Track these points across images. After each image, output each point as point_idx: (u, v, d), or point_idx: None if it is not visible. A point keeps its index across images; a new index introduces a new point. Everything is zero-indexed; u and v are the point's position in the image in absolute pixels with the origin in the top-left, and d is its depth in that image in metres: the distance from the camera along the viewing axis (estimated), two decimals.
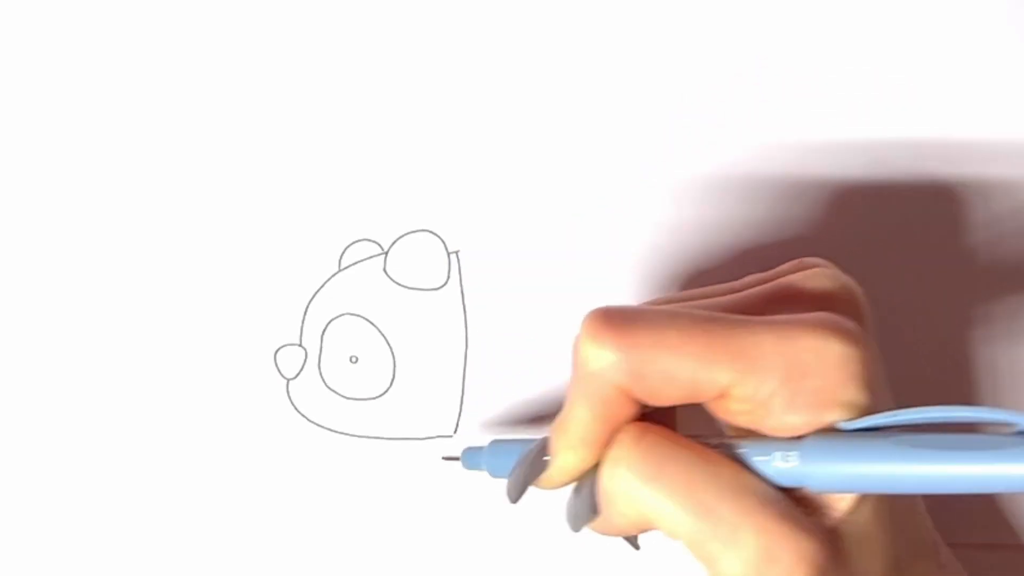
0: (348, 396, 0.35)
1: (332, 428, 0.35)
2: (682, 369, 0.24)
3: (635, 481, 0.24)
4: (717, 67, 0.35)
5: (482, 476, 0.35)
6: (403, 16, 0.35)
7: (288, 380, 0.35)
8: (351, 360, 0.35)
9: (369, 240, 0.35)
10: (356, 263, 0.35)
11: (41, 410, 0.35)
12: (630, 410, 0.25)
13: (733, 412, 0.25)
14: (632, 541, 0.29)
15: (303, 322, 0.35)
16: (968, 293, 0.35)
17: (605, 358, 0.24)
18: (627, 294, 0.35)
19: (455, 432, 0.35)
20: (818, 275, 0.27)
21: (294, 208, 0.35)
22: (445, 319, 0.35)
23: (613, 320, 0.24)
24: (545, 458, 0.27)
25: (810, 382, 0.23)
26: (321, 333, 0.35)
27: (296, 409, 0.35)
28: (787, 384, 0.23)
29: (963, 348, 0.35)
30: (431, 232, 0.35)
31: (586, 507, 0.26)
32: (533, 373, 0.35)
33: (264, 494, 0.36)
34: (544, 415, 0.35)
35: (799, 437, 0.24)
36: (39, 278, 0.35)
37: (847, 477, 0.23)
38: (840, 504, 0.24)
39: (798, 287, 0.26)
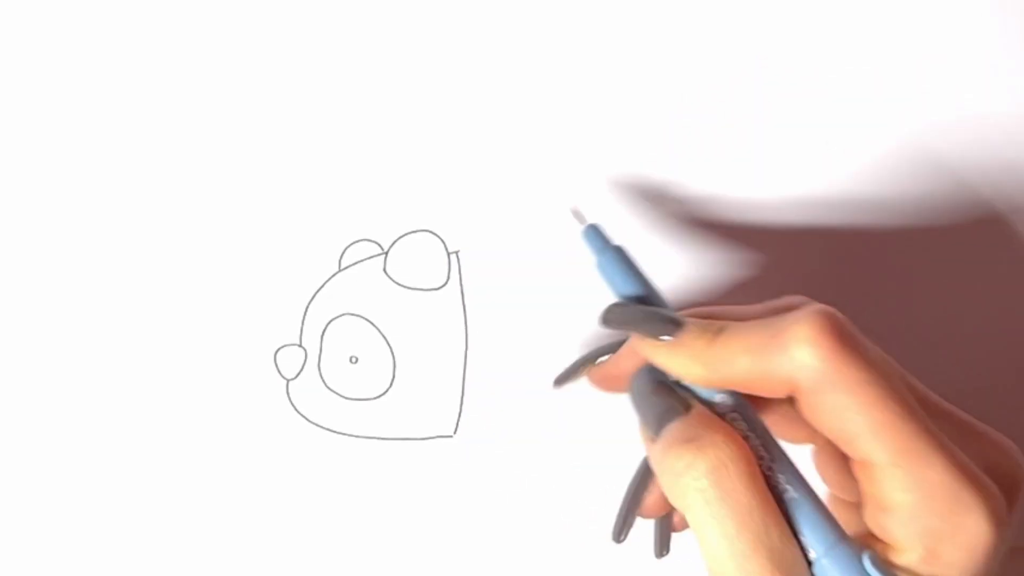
0: (348, 396, 0.35)
1: (332, 428, 0.35)
2: (854, 423, 0.24)
3: (699, 496, 0.24)
4: (717, 67, 0.35)
5: (483, 473, 0.35)
6: (403, 16, 0.35)
7: (288, 380, 0.35)
8: (351, 360, 0.35)
9: (369, 240, 0.35)
10: (356, 263, 0.35)
11: (41, 410, 0.35)
12: (775, 394, 0.25)
13: (861, 475, 0.25)
14: (663, 542, 0.30)
15: (303, 322, 0.35)
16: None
17: (811, 356, 0.24)
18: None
19: (455, 432, 0.35)
20: (1006, 445, 0.26)
21: (294, 208, 0.35)
22: (445, 319, 0.35)
23: (844, 336, 0.24)
24: (666, 336, 0.26)
25: (938, 524, 0.23)
26: (321, 333, 0.35)
27: (296, 409, 0.35)
28: (921, 506, 0.23)
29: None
30: (431, 232, 0.35)
31: (653, 420, 0.26)
32: (533, 373, 0.35)
33: (264, 494, 0.36)
34: (544, 415, 0.35)
35: (844, 536, 0.24)
36: (39, 278, 0.35)
37: None
38: None
39: (985, 441, 0.26)
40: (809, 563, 0.24)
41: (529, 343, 0.35)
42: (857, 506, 0.25)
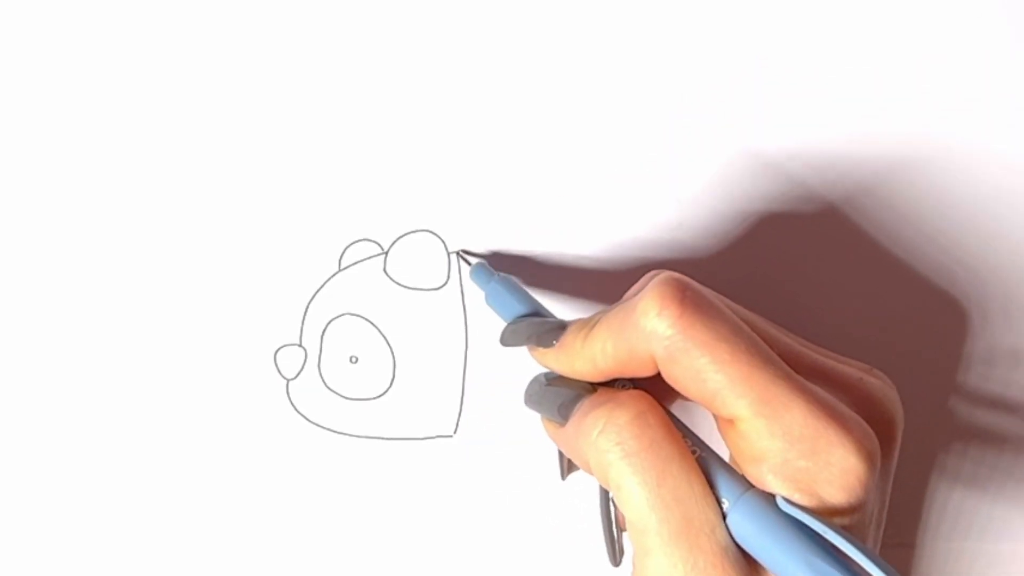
0: (348, 396, 0.35)
1: (332, 428, 0.35)
2: (712, 381, 0.24)
3: (617, 448, 0.25)
4: (717, 67, 0.35)
5: (483, 473, 0.35)
6: (403, 16, 0.35)
7: (288, 380, 0.35)
8: (351, 360, 0.35)
9: (369, 240, 0.35)
10: (356, 263, 0.35)
11: (41, 410, 0.35)
12: (647, 372, 0.26)
13: (728, 434, 0.25)
14: (569, 466, 0.31)
15: (303, 322, 0.35)
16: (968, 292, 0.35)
17: (658, 325, 0.25)
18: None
19: (455, 432, 0.35)
20: (881, 389, 0.27)
21: (294, 208, 0.35)
22: (445, 319, 0.35)
23: (687, 300, 0.25)
24: (554, 342, 0.28)
25: (806, 465, 0.24)
26: (321, 333, 0.35)
27: (296, 409, 0.35)
28: (788, 451, 0.24)
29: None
30: (431, 232, 0.35)
31: (554, 409, 0.27)
32: (533, 373, 0.35)
33: (264, 494, 0.36)
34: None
35: (751, 486, 0.24)
36: (39, 278, 0.35)
37: (753, 545, 0.24)
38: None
39: (858, 386, 0.27)
40: (724, 516, 0.24)
41: None
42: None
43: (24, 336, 0.35)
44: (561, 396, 0.27)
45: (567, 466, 0.32)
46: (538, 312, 0.30)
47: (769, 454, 0.24)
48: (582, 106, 0.35)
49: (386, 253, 0.35)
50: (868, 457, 0.24)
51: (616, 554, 0.29)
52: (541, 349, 0.28)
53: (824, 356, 0.27)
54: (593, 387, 0.27)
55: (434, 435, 0.35)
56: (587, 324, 0.27)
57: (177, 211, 0.35)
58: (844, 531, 0.23)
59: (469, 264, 0.34)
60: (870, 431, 0.24)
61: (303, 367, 0.35)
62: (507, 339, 0.30)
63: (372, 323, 0.35)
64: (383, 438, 0.35)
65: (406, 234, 0.35)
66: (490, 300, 0.32)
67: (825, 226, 0.35)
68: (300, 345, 0.35)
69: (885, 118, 0.35)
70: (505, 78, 0.35)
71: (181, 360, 0.35)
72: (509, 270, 0.35)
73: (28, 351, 0.35)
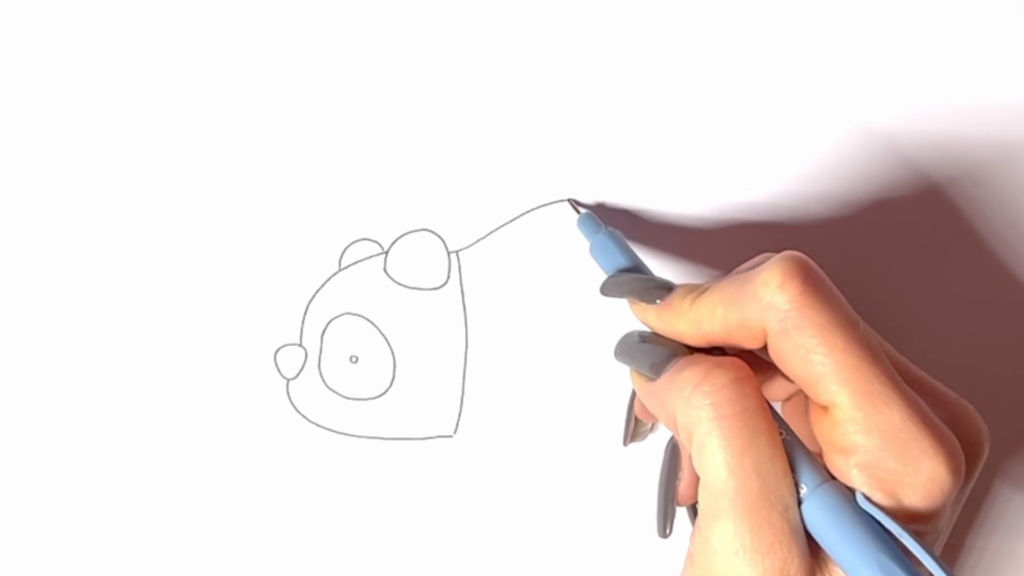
0: (348, 396, 0.35)
1: (332, 428, 0.35)
2: (819, 364, 0.24)
3: (710, 408, 0.25)
4: (717, 67, 0.35)
5: (483, 473, 0.35)
6: (403, 16, 0.35)
7: (288, 380, 0.35)
8: (351, 360, 0.35)
9: (369, 240, 0.35)
10: (356, 263, 0.35)
11: (41, 410, 0.35)
12: (751, 343, 0.26)
13: (819, 421, 0.25)
14: (633, 433, 0.32)
15: (303, 322, 0.35)
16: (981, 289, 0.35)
17: (777, 298, 0.25)
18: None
19: (455, 432, 0.35)
20: (973, 413, 0.27)
21: (294, 208, 0.35)
22: (445, 319, 0.35)
23: (809, 279, 0.25)
24: (658, 300, 0.28)
25: (894, 466, 0.24)
26: (321, 333, 0.35)
27: (296, 409, 0.35)
28: (880, 449, 0.24)
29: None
30: (431, 232, 0.35)
31: (648, 365, 0.27)
32: (533, 373, 0.35)
33: (264, 494, 0.36)
34: (544, 415, 0.35)
35: (833, 478, 0.24)
36: (39, 278, 0.35)
37: (824, 535, 0.24)
38: (835, 568, 0.24)
39: (954, 404, 0.27)
40: (800, 501, 0.24)
41: (529, 343, 0.35)
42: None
43: (24, 336, 0.35)
44: (657, 353, 0.27)
45: (631, 434, 0.33)
46: (639, 268, 0.31)
47: (860, 449, 0.24)
48: (582, 107, 0.35)
49: (386, 253, 0.35)
50: (955, 472, 0.24)
51: (666, 525, 0.29)
52: (643, 304, 0.29)
53: (919, 370, 0.27)
54: (689, 350, 0.28)
55: (434, 435, 0.35)
56: (696, 288, 0.27)
57: (177, 211, 0.35)
58: (919, 537, 0.23)
59: (578, 212, 0.33)
60: (960, 448, 0.24)
61: (303, 367, 0.35)
62: (609, 290, 0.30)
63: (372, 323, 0.35)
64: (383, 438, 0.35)
65: (406, 234, 0.35)
66: (594, 251, 0.32)
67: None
68: (300, 345, 0.35)
69: (886, 115, 0.35)
70: (505, 78, 0.35)
71: (181, 360, 0.35)
72: (509, 269, 0.35)
73: (28, 351, 0.35)
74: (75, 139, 0.35)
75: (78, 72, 0.35)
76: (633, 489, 0.35)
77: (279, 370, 0.35)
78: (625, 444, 0.33)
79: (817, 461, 0.25)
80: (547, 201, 0.35)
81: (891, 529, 0.23)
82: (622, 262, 0.31)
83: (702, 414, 0.25)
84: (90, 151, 0.35)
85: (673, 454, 0.29)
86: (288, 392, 0.35)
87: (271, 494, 0.36)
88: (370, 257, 0.35)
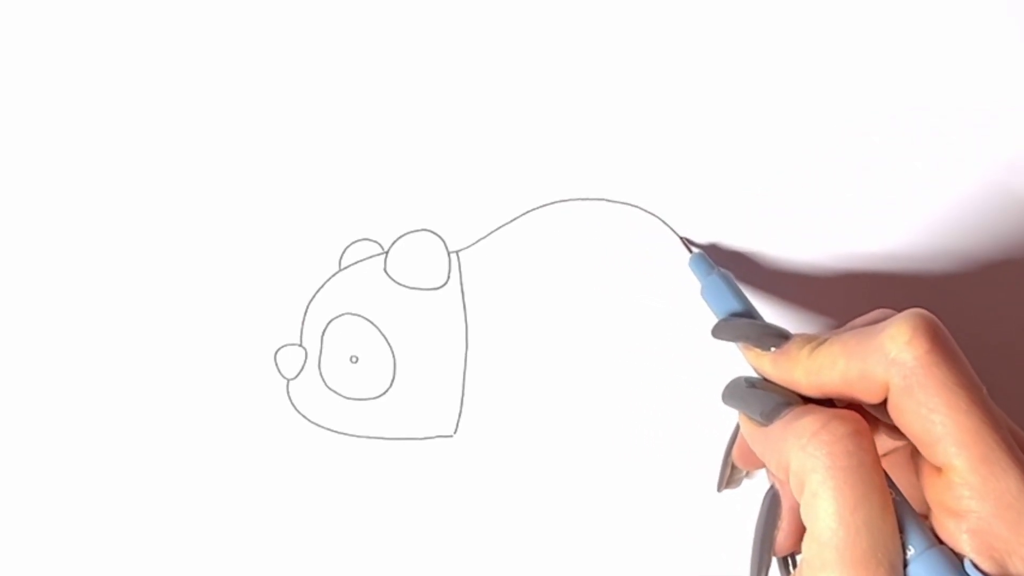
0: (348, 396, 0.35)
1: (332, 428, 0.35)
2: (940, 424, 0.24)
3: (827, 458, 0.24)
4: (717, 67, 0.35)
5: (483, 473, 0.35)
6: (403, 16, 0.35)
7: (288, 380, 0.35)
8: (351, 360, 0.35)
9: (369, 240, 0.35)
10: (356, 263, 0.35)
11: (41, 410, 0.35)
12: (870, 398, 0.26)
13: (931, 482, 0.25)
14: (728, 479, 0.32)
15: (303, 322, 0.35)
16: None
17: (904, 354, 0.25)
18: (626, 294, 0.35)
19: (455, 432, 0.35)
20: None
21: (294, 208, 0.35)
22: (445, 319, 0.35)
23: (938, 338, 0.25)
24: (772, 347, 0.28)
25: (1007, 535, 0.24)
26: (321, 333, 0.35)
27: (296, 409, 0.35)
28: (993, 516, 0.24)
29: None
30: (431, 232, 0.35)
31: (760, 410, 0.27)
32: (533, 373, 0.35)
33: (264, 494, 0.36)
34: (544, 415, 0.35)
35: (940, 541, 0.24)
36: (39, 278, 0.35)
37: None
38: None
39: None
40: (905, 562, 0.24)
41: (529, 343, 0.35)
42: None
43: (25, 336, 0.35)
44: (769, 399, 0.27)
45: (727, 479, 0.32)
46: (751, 313, 0.31)
47: (972, 514, 0.24)
48: (582, 107, 0.35)
49: (386, 253, 0.35)
50: None
51: (761, 573, 0.29)
52: (757, 351, 0.29)
53: None
54: (801, 399, 0.27)
55: (434, 435, 0.35)
56: (814, 338, 0.27)
57: (177, 212, 0.35)
58: None
59: (691, 251, 0.34)
60: None
61: (303, 367, 0.35)
62: (722, 333, 0.30)
63: (372, 323, 0.35)
64: (383, 438, 0.35)
65: (406, 234, 0.35)
66: (706, 293, 0.32)
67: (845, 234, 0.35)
68: (300, 345, 0.35)
69: (886, 115, 0.35)
70: (505, 78, 0.35)
71: (182, 360, 0.35)
72: (509, 269, 0.35)
73: (29, 351, 0.35)
74: (75, 139, 0.35)
75: (78, 72, 0.35)
76: (633, 489, 0.35)
77: (279, 370, 0.35)
78: (719, 490, 0.33)
79: (924, 524, 0.25)
80: (547, 201, 0.35)
81: None
82: (735, 306, 0.31)
83: (818, 463, 0.24)
84: (90, 151, 0.35)
85: (773, 502, 0.29)
86: (288, 392, 0.35)
87: (271, 494, 0.36)
88: (370, 257, 0.35)
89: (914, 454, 0.26)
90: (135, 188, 0.35)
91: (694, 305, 0.35)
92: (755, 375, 0.29)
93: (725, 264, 0.33)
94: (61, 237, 0.35)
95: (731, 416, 0.35)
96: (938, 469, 0.25)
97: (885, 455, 0.31)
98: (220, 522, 0.36)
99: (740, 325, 0.30)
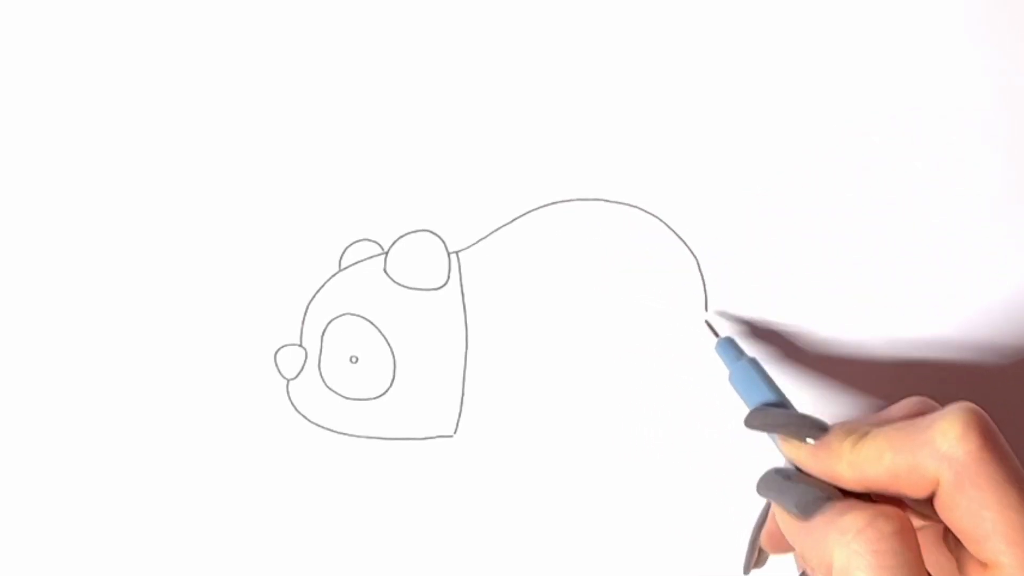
0: (348, 396, 0.35)
1: (332, 428, 0.35)
2: (990, 520, 0.24)
3: (873, 557, 0.24)
4: (717, 68, 0.35)
5: (483, 473, 0.35)
6: (403, 16, 0.35)
7: (288, 380, 0.35)
8: (351, 360, 0.35)
9: (369, 240, 0.35)
10: (356, 263, 0.35)
11: (41, 410, 0.35)
12: (917, 493, 0.26)
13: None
14: (756, 560, 0.32)
15: (303, 322, 0.35)
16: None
17: (956, 449, 0.25)
18: (625, 294, 0.35)
19: (455, 432, 0.35)
20: None
21: (294, 208, 0.35)
22: (445, 319, 0.35)
23: (989, 434, 0.25)
24: (809, 439, 0.28)
25: None
26: (321, 333, 0.35)
27: (296, 409, 0.35)
28: None
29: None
30: (431, 232, 0.35)
31: (800, 505, 0.27)
32: (533, 373, 0.35)
33: (264, 494, 0.35)
34: (544, 415, 0.35)
35: None
36: (39, 278, 0.35)
37: None
38: None
39: None
40: None
41: (529, 343, 0.35)
42: None
43: (25, 336, 0.35)
44: (809, 492, 0.27)
45: (754, 560, 0.32)
46: (784, 403, 0.30)
47: None
48: (582, 107, 0.35)
49: (386, 253, 0.35)
50: None
51: None
52: (795, 443, 0.28)
53: None
54: (840, 492, 0.27)
55: (434, 435, 0.35)
56: (856, 429, 0.27)
57: (177, 212, 0.35)
58: None
59: (717, 336, 0.33)
60: None
61: (303, 367, 0.35)
62: (755, 422, 0.30)
63: (372, 323, 0.35)
64: (383, 438, 0.35)
65: (406, 234, 0.35)
66: (735, 379, 0.31)
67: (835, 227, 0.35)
68: (300, 345, 0.35)
69: (885, 117, 0.35)
70: (505, 79, 0.35)
71: (181, 360, 0.35)
72: (509, 269, 0.35)
73: (29, 351, 0.35)
74: (75, 140, 0.35)
75: (78, 73, 0.35)
76: (632, 488, 0.35)
77: (279, 370, 0.35)
78: (746, 572, 0.33)
79: None
80: (547, 201, 0.35)
81: None
82: (767, 395, 0.30)
83: (863, 562, 0.24)
84: (90, 152, 0.35)
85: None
86: (288, 392, 0.35)
87: (271, 494, 0.35)
88: (370, 257, 0.35)
89: (958, 550, 0.26)
90: (135, 189, 0.35)
91: (694, 305, 0.35)
92: (787, 465, 0.29)
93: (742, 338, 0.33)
94: (61, 237, 0.35)
95: (737, 427, 0.35)
96: (984, 565, 0.25)
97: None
98: (220, 522, 0.36)
99: (776, 415, 0.29)
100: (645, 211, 0.35)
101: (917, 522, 0.28)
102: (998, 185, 0.35)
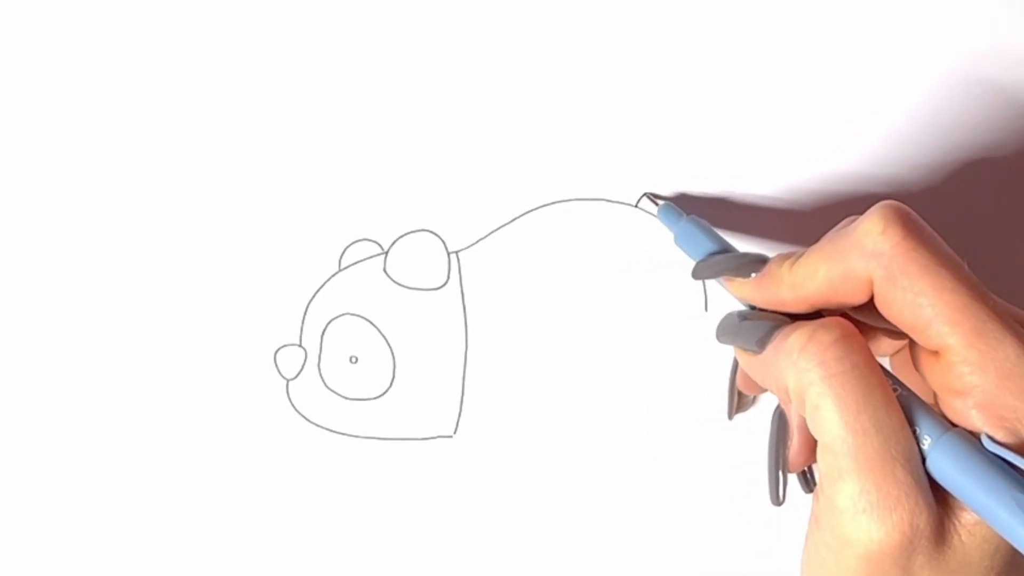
0: (348, 396, 0.35)
1: (332, 428, 0.35)
2: (928, 307, 0.24)
3: (820, 368, 0.24)
4: (717, 68, 0.35)
5: (483, 473, 0.35)
6: (403, 16, 0.35)
7: (288, 380, 0.35)
8: (351, 360, 0.35)
9: (369, 240, 0.35)
10: (356, 263, 0.35)
11: (41, 410, 0.35)
12: (857, 298, 0.25)
13: (930, 367, 0.25)
14: (737, 405, 0.33)
15: (303, 322, 0.35)
16: None
17: (881, 244, 0.24)
18: (625, 294, 0.35)
19: (455, 432, 0.35)
20: None
21: (294, 208, 0.35)
22: (445, 319, 0.35)
23: (911, 223, 0.25)
24: (753, 273, 0.28)
25: (1014, 403, 0.23)
26: (321, 333, 0.35)
27: (296, 409, 0.35)
28: (997, 387, 0.23)
29: None
30: (431, 232, 0.35)
31: (752, 339, 0.27)
32: (533, 373, 0.35)
33: (264, 494, 0.36)
34: (544, 415, 0.35)
35: (954, 425, 0.24)
36: (39, 278, 0.35)
37: (955, 484, 0.23)
38: (964, 515, 0.24)
39: None
40: (922, 455, 0.24)
41: (529, 343, 0.35)
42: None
43: (24, 336, 0.35)
44: (760, 327, 0.27)
45: (735, 405, 0.33)
46: (728, 250, 0.31)
47: (976, 389, 0.24)
48: (583, 107, 0.35)
49: (386, 253, 0.35)
50: None
51: (779, 493, 0.28)
52: (739, 280, 0.28)
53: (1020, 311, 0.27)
54: (790, 320, 0.27)
55: (434, 435, 0.35)
56: (791, 254, 0.27)
57: (177, 212, 0.35)
58: None
59: (657, 204, 0.34)
60: None
61: (303, 367, 0.35)
62: (701, 272, 0.30)
63: (372, 323, 0.35)
64: (383, 438, 0.35)
65: (406, 234, 0.35)
66: (679, 240, 0.32)
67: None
68: (300, 345, 0.35)
69: (886, 118, 0.35)
70: (505, 78, 0.35)
71: (181, 360, 0.35)
72: (509, 269, 0.35)
73: (28, 351, 0.35)
74: (75, 139, 0.35)
75: (78, 72, 0.35)
76: (632, 489, 0.35)
77: (279, 370, 0.35)
78: (730, 417, 0.33)
79: (935, 412, 0.25)
80: (547, 201, 0.35)
81: (1020, 466, 0.23)
82: (711, 246, 0.31)
83: (812, 376, 0.24)
84: (90, 152, 0.35)
85: (781, 422, 0.28)
86: (288, 392, 0.35)
87: (271, 494, 0.36)
88: (370, 257, 0.35)
89: (912, 350, 0.26)
90: (135, 189, 0.35)
91: (694, 305, 0.35)
92: (745, 309, 0.29)
93: (695, 212, 0.33)
94: (61, 238, 0.35)
95: (737, 427, 0.35)
96: (935, 353, 0.24)
97: (894, 355, 0.30)
98: (220, 522, 0.36)
99: (718, 260, 0.30)
100: (645, 211, 0.35)
101: (889, 344, 0.28)
102: (999, 184, 0.35)
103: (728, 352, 0.32)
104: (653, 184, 0.35)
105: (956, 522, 0.24)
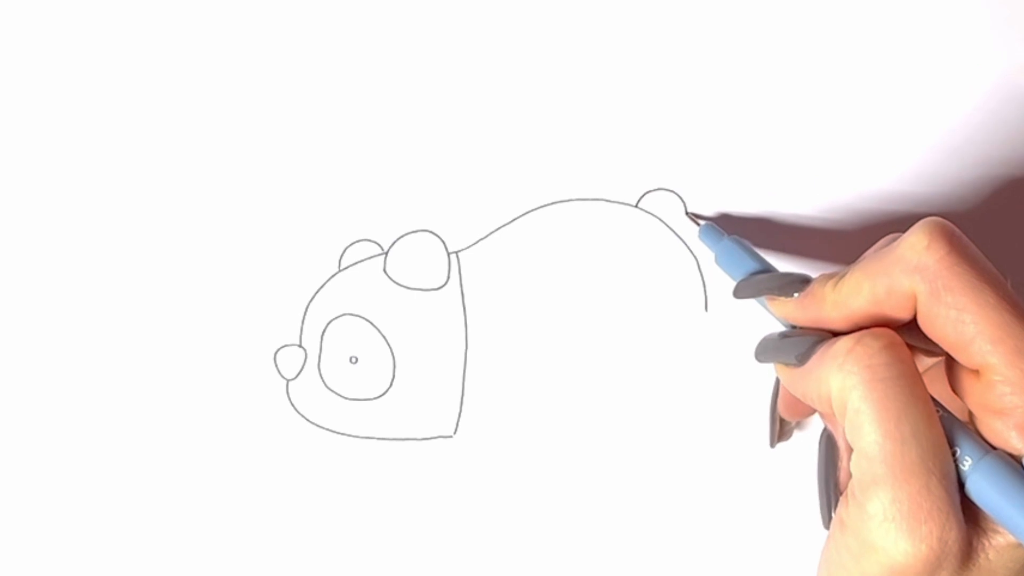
0: (348, 396, 0.35)
1: (332, 428, 0.35)
2: (972, 324, 0.24)
3: (865, 372, 0.24)
4: (717, 68, 0.35)
5: (483, 473, 0.35)
6: (403, 16, 0.35)
7: (288, 380, 0.35)
8: (351, 360, 0.35)
9: (369, 240, 0.35)
10: (356, 263, 0.35)
11: (41, 410, 0.35)
12: (902, 315, 0.25)
13: (970, 386, 0.25)
14: (779, 432, 0.33)
15: (303, 322, 0.35)
16: None
17: (926, 259, 0.24)
18: (625, 294, 0.35)
19: (455, 432, 0.35)
20: None
21: (294, 208, 0.35)
22: (445, 319, 0.35)
23: (955, 239, 0.24)
24: (796, 293, 0.28)
25: None
26: (321, 333, 0.35)
27: (296, 409, 0.35)
28: None
29: None
30: (431, 232, 0.35)
31: (793, 353, 0.27)
32: (533, 373, 0.35)
33: (264, 494, 0.36)
34: (544, 415, 0.35)
35: (993, 447, 0.24)
36: (39, 278, 0.35)
37: (995, 506, 0.23)
38: (997, 537, 0.24)
39: None
40: (959, 477, 0.24)
41: (529, 343, 0.35)
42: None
43: (24, 336, 0.35)
44: (802, 342, 0.27)
45: (777, 433, 0.32)
46: (768, 270, 0.31)
47: (1017, 410, 0.23)
48: (583, 108, 0.35)
49: (386, 253, 0.35)
50: None
51: (830, 512, 0.28)
52: (782, 300, 0.28)
53: None
54: (833, 336, 0.27)
55: (434, 435, 0.35)
56: (834, 274, 0.27)
57: (177, 212, 0.35)
58: None
59: (698, 224, 0.34)
60: None
61: (303, 367, 0.35)
62: (743, 292, 0.30)
63: (372, 323, 0.35)
64: (383, 438, 0.35)
65: (406, 234, 0.35)
66: (720, 260, 0.32)
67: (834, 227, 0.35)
68: (300, 345, 0.35)
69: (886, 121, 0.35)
70: (505, 78, 0.35)
71: (181, 360, 0.35)
72: (509, 269, 0.35)
73: (28, 351, 0.35)
74: (75, 140, 0.35)
75: (78, 72, 0.35)
76: (633, 488, 0.35)
77: (279, 370, 0.35)
78: (772, 445, 0.33)
79: (974, 434, 0.25)
80: (547, 201, 0.35)
81: None
82: (752, 266, 0.31)
83: (855, 379, 0.24)
84: (90, 152, 0.35)
85: (829, 444, 0.28)
86: (288, 392, 0.35)
87: (271, 495, 0.35)
88: (370, 257, 0.35)
89: (949, 369, 0.26)
90: (135, 189, 0.35)
91: (694, 305, 0.35)
92: (783, 329, 0.29)
93: (736, 233, 0.33)
94: (61, 238, 0.35)
95: (736, 412, 0.35)
96: (975, 372, 0.24)
97: (925, 372, 0.31)
98: (220, 522, 0.36)
99: (761, 279, 0.30)
100: (645, 211, 0.35)
101: (924, 361, 0.28)
102: (999, 185, 0.35)
103: (728, 353, 0.32)
104: (653, 184, 0.35)
105: (986, 542, 0.24)
